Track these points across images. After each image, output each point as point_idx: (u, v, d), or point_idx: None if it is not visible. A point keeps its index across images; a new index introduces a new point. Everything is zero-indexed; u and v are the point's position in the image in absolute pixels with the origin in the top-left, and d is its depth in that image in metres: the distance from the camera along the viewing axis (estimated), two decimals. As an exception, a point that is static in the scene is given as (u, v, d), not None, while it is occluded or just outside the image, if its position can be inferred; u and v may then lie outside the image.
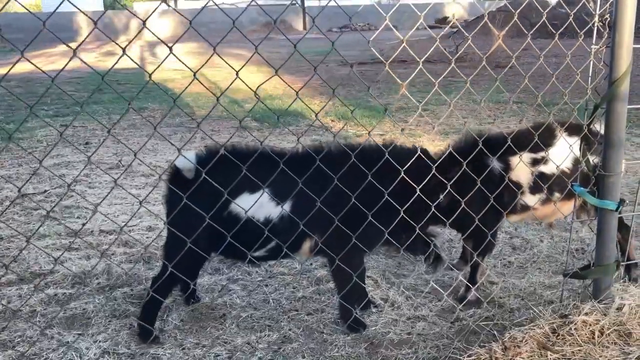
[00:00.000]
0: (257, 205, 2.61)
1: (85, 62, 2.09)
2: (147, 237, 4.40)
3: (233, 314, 3.28)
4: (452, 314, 3.19)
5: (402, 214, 2.62)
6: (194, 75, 1.98)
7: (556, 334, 2.54)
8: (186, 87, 2.33)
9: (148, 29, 1.96)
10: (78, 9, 2.11)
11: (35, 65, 1.88)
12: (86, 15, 2.19)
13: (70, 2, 1.81)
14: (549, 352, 2.44)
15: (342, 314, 3.08)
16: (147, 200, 5.25)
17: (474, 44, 2.63)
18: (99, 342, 2.99)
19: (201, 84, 2.13)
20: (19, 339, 3.04)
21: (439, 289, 3.08)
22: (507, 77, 11.26)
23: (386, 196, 2.58)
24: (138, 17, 2.18)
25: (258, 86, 2.20)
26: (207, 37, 2.09)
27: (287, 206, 2.77)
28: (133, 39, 2.07)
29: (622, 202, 2.59)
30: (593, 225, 2.77)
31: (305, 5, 31.76)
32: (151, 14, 2.05)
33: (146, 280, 3.65)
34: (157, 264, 3.93)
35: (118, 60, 1.91)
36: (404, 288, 3.50)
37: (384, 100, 10.12)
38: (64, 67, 1.97)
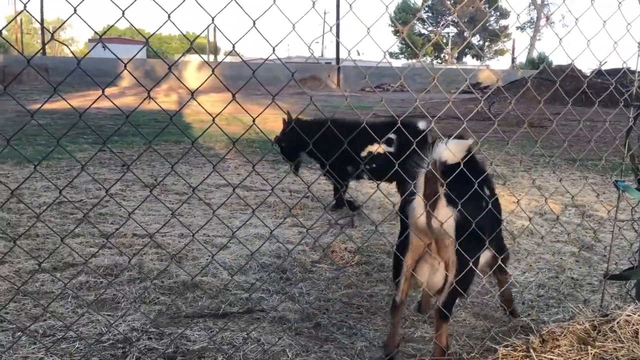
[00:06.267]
0: None
1: (158, 104, 2.21)
2: (180, 242, 4.42)
3: (264, 307, 3.26)
4: (486, 319, 3.11)
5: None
6: (253, 121, 2.16)
7: (597, 330, 2.45)
8: (243, 133, 2.55)
9: (220, 80, 2.14)
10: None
11: (114, 104, 2.06)
12: (165, 62, 2.37)
13: (152, 48, 2.01)
14: (589, 347, 2.35)
15: None
16: (179, 213, 5.32)
17: (508, 105, 2.77)
18: (128, 321, 2.99)
19: (261, 131, 2.45)
20: (50, 315, 3.05)
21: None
22: (539, 134, 11.31)
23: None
24: (209, 66, 2.33)
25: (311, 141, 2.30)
26: (245, 89, 2.32)
27: None
28: (200, 86, 2.26)
29: (667, 200, 2.55)
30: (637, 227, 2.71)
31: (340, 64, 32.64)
32: (218, 65, 2.34)
33: (176, 275, 3.65)
34: (188, 264, 3.94)
35: (186, 102, 2.42)
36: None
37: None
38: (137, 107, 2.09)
